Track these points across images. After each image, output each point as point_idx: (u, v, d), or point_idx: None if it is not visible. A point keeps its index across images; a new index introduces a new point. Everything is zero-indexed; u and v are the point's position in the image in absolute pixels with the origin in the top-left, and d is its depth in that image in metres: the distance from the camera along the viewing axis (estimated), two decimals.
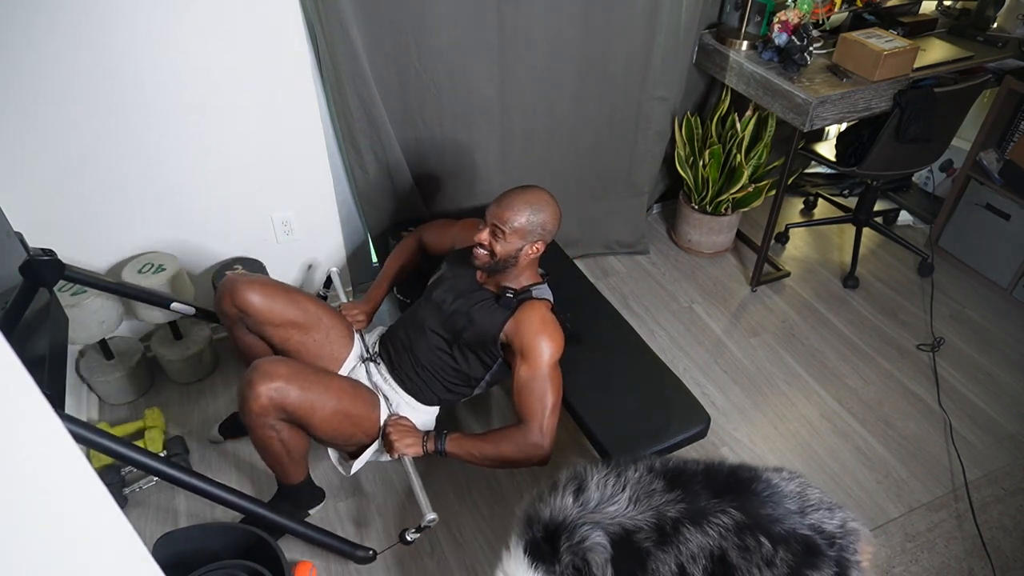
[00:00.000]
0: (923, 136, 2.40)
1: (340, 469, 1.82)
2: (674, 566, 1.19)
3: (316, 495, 1.93)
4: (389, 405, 1.80)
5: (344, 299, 2.14)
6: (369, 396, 1.77)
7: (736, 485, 1.25)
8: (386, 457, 1.78)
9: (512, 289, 1.77)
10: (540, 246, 1.75)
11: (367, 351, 1.91)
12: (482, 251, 1.73)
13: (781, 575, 1.17)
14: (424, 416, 1.85)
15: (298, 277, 2.45)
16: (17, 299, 1.54)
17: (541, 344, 1.66)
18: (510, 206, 1.71)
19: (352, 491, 2.01)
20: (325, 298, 2.19)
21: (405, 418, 1.77)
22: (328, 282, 2.22)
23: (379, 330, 2.00)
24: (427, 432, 1.72)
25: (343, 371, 1.86)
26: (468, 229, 2.01)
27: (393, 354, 1.87)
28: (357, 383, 1.78)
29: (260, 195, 2.20)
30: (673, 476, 1.27)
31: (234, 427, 2.09)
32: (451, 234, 2.03)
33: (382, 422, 1.77)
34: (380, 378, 1.86)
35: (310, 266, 2.43)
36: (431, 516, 1.61)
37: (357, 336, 1.93)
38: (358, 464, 1.75)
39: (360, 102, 2.07)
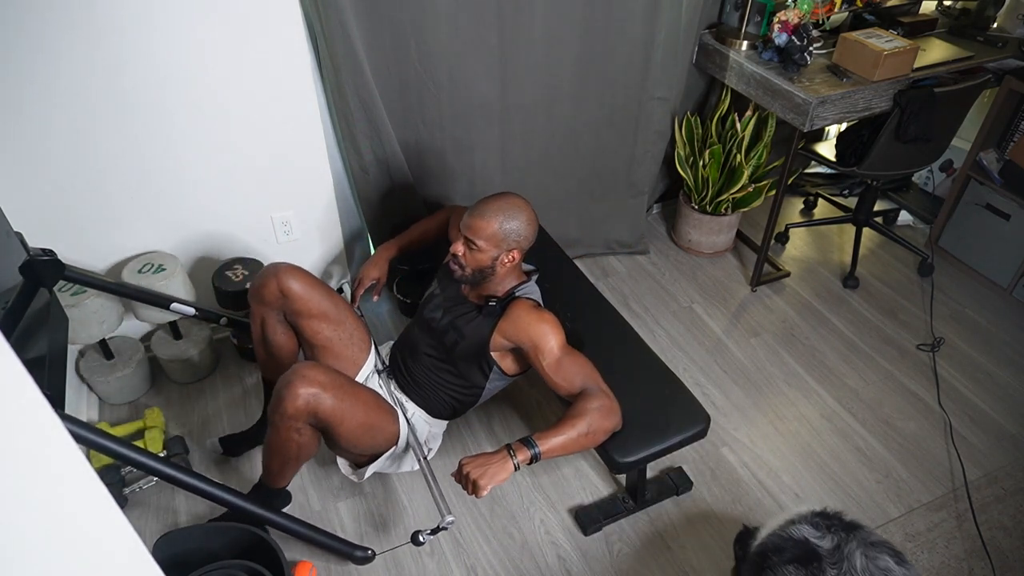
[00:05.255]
0: (923, 136, 2.40)
1: (351, 477, 1.83)
2: None
3: (286, 499, 1.93)
4: (406, 414, 1.83)
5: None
6: (389, 409, 1.78)
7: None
8: (400, 467, 1.85)
9: (495, 297, 1.77)
10: (516, 254, 1.72)
11: (382, 363, 1.95)
12: (455, 265, 1.73)
13: None
14: (435, 429, 1.91)
15: None
16: (17, 299, 1.54)
17: (544, 334, 1.68)
18: (481, 215, 1.67)
19: (352, 491, 2.01)
20: None
21: (479, 455, 1.58)
22: (340, 292, 2.22)
23: (389, 344, 2.04)
24: (506, 447, 1.56)
25: (360, 377, 1.87)
26: None
27: (398, 372, 1.92)
28: (380, 396, 1.80)
29: (260, 195, 2.20)
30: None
31: (236, 444, 2.06)
32: None
33: (402, 433, 1.79)
34: (395, 388, 1.90)
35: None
36: (450, 518, 1.62)
37: (373, 347, 1.95)
38: (369, 471, 1.77)
39: (360, 102, 2.07)
